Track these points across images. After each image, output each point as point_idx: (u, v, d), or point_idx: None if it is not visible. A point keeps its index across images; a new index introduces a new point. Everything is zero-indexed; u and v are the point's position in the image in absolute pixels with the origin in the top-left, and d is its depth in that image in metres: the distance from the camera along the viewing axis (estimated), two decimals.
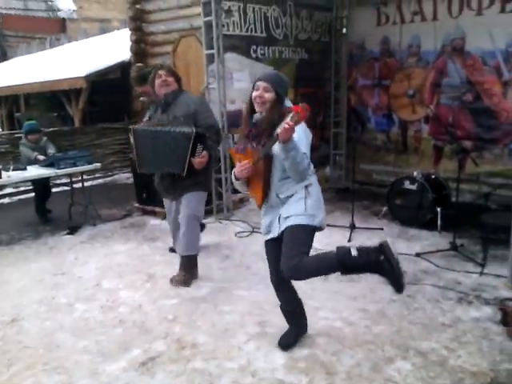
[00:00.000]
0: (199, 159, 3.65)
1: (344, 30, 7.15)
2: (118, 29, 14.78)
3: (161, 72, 3.77)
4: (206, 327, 3.34)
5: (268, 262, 3.02)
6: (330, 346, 3.01)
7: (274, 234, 2.81)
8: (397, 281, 2.70)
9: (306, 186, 2.74)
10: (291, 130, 2.39)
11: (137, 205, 6.37)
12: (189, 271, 3.97)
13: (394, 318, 3.36)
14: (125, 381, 2.79)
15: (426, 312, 3.43)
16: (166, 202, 4.15)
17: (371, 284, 3.90)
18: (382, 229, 5.21)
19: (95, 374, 2.87)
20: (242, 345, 3.10)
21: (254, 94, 2.70)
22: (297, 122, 2.37)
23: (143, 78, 4.40)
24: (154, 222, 5.96)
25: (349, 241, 4.89)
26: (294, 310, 3.09)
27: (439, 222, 4.98)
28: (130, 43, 9.31)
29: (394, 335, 3.13)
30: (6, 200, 7.81)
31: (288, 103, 2.75)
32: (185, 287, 3.92)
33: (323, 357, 2.92)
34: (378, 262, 2.69)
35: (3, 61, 17.14)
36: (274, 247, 2.87)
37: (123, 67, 9.84)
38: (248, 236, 5.24)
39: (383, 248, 2.72)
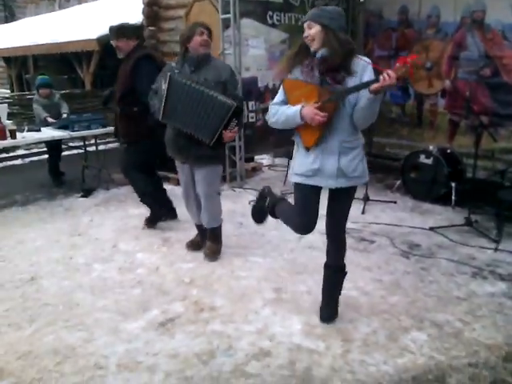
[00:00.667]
0: (230, 133, 3.48)
1: None
2: None
3: (204, 30, 3.55)
4: (223, 291, 3.39)
5: (301, 206, 2.81)
6: (346, 314, 3.05)
7: (328, 185, 2.66)
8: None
9: (363, 145, 2.70)
10: (391, 82, 2.23)
11: None
12: (217, 241, 3.95)
13: (409, 289, 3.40)
14: (145, 339, 2.85)
15: (441, 285, 3.46)
16: (177, 163, 3.88)
17: (385, 255, 3.95)
18: (396, 202, 5.22)
19: (115, 331, 2.94)
20: (259, 309, 3.16)
21: (303, 36, 2.58)
22: (400, 77, 2.17)
23: (122, 32, 4.18)
24: (166, 187, 5.94)
25: (362, 213, 4.91)
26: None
27: (453, 197, 4.98)
28: (142, 6, 9.16)
29: (409, 306, 3.17)
30: (19, 161, 7.83)
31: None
32: (217, 257, 3.89)
33: (340, 324, 2.97)
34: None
35: (12, 21, 16.91)
36: (312, 195, 2.75)
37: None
38: None
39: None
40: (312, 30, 2.53)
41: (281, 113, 2.66)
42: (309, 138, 2.64)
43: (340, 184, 2.65)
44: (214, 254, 3.89)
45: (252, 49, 6.24)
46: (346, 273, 3.01)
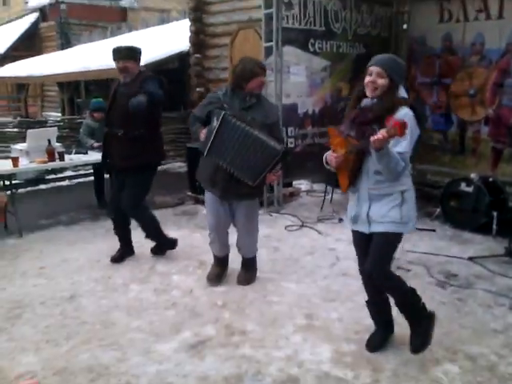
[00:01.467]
0: (273, 177, 3.51)
1: (405, 26, 7.02)
2: (177, 19, 15.02)
3: (261, 71, 3.55)
4: (255, 315, 3.42)
5: (356, 251, 2.98)
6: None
7: (364, 230, 2.78)
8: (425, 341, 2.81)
9: (402, 192, 2.67)
10: (384, 141, 2.32)
11: (189, 193, 6.53)
12: (252, 270, 3.98)
13: (444, 320, 3.32)
14: (176, 361, 2.91)
15: (477, 317, 3.37)
16: (209, 196, 3.77)
17: (421, 285, 3.86)
18: (434, 230, 5.13)
19: (148, 352, 3.01)
20: (290, 335, 3.16)
21: (367, 79, 2.60)
22: (390, 136, 2.29)
23: (132, 53, 4.00)
24: (205, 210, 6.08)
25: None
26: (379, 307, 3.01)
27: (494, 227, 4.85)
28: (188, 34, 9.49)
29: (443, 337, 3.10)
30: (66, 182, 8.17)
31: (402, 92, 2.65)
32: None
33: (369, 354, 2.93)
34: (427, 317, 2.89)
35: (67, 48, 17.80)
36: (361, 240, 2.86)
37: (181, 57, 10.04)
38: (297, 230, 5.28)
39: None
40: (381, 81, 2.57)
41: (325, 156, 2.82)
42: (342, 184, 2.80)
43: (373, 229, 2.73)
44: (247, 283, 3.91)
45: (293, 76, 6.34)
46: (410, 303, 2.92)
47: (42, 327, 3.34)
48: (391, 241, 2.75)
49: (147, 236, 4.48)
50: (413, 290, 2.88)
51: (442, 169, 6.51)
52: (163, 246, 4.56)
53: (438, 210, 5.48)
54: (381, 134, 2.31)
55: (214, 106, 3.52)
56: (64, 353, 3.03)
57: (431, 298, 3.64)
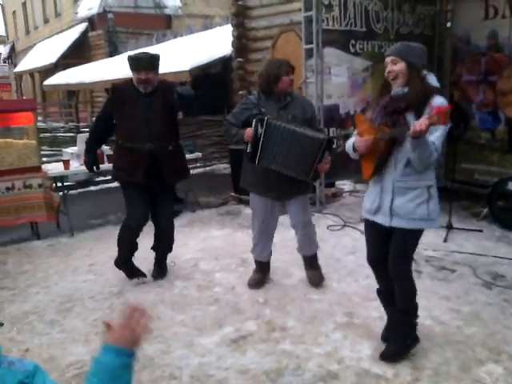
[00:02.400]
0: (325, 165, 3.47)
1: (448, 24, 6.89)
2: (220, 25, 15.26)
3: (290, 69, 3.59)
4: (296, 313, 3.46)
5: (367, 242, 2.93)
6: (419, 343, 2.99)
7: (384, 222, 2.71)
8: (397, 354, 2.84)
9: (429, 187, 2.62)
10: (425, 131, 2.28)
11: (233, 194, 6.64)
12: (319, 266, 3.97)
13: (489, 320, 3.26)
14: (218, 355, 2.99)
15: None
16: (259, 200, 3.77)
17: (466, 285, 3.81)
18: (482, 231, 5.01)
19: (191, 345, 3.10)
20: (330, 332, 3.19)
21: (385, 72, 2.59)
22: (432, 124, 2.24)
23: (156, 63, 3.78)
24: (248, 210, 6.09)
25: (444, 241, 4.77)
26: (390, 297, 2.91)
27: None
28: (231, 39, 9.64)
29: (487, 338, 3.05)
30: (114, 184, 8.41)
31: (433, 80, 2.60)
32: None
33: (411, 352, 2.92)
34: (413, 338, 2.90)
35: (115, 55, 18.38)
36: (376, 232, 2.81)
37: (224, 62, 10.21)
38: (340, 230, 5.28)
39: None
40: (397, 67, 2.54)
41: (348, 143, 2.83)
42: (365, 171, 2.77)
43: (395, 224, 2.66)
44: (321, 280, 3.90)
45: (334, 77, 6.34)
46: (413, 316, 2.87)
47: (91, 320, 3.50)
48: (416, 237, 2.72)
49: (168, 250, 4.29)
50: (416, 306, 2.86)
51: (490, 168, 6.33)
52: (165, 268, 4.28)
53: (486, 209, 5.36)
54: (422, 121, 2.25)
55: (251, 111, 3.58)
56: None
57: (476, 298, 3.59)
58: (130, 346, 1.23)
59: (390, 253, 2.75)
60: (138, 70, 3.72)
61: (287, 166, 3.48)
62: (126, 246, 4.04)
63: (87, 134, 6.39)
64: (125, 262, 4.08)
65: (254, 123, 3.44)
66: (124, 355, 1.21)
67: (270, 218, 3.81)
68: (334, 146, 6.28)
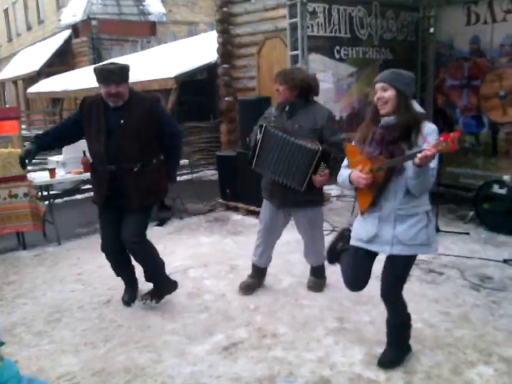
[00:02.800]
0: (320, 178, 3.40)
1: (431, 30, 6.99)
2: (205, 31, 15.28)
3: (275, 80, 3.60)
4: (287, 319, 3.46)
5: (350, 268, 2.91)
6: (411, 351, 2.99)
7: (383, 250, 2.70)
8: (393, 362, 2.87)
9: (427, 212, 2.63)
10: (432, 158, 2.26)
11: (220, 200, 6.63)
12: (321, 276, 3.98)
13: (478, 322, 3.30)
14: (209, 363, 2.97)
15: None
16: (266, 204, 3.84)
17: (454, 288, 3.85)
18: (468, 233, 5.07)
19: (182, 354, 3.09)
20: (321, 338, 3.19)
21: (375, 98, 2.59)
22: (440, 151, 2.22)
23: (126, 75, 3.42)
24: (236, 217, 6.18)
25: None
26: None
27: None
28: (216, 45, 9.65)
29: (477, 340, 3.08)
30: None
31: (418, 107, 2.62)
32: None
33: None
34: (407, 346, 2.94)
35: (99, 62, 18.29)
36: (366, 259, 2.81)
37: (210, 68, 10.21)
38: (328, 235, 5.28)
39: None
40: (387, 93, 2.54)
41: (341, 175, 2.81)
42: (363, 203, 2.74)
43: (396, 251, 2.65)
44: (319, 288, 3.92)
45: (320, 83, 6.35)
46: (405, 327, 2.89)
47: (80, 330, 3.46)
48: (411, 262, 2.73)
49: (150, 277, 3.74)
50: (409, 315, 2.88)
51: (475, 171, 6.42)
52: (163, 288, 3.76)
53: (472, 212, 5.42)
54: (428, 150, 2.23)
55: (267, 120, 3.65)
56: (102, 355, 3.13)
57: (464, 300, 3.63)
58: None
59: (386, 278, 2.75)
60: (106, 83, 3.32)
61: (280, 174, 3.51)
62: (116, 272, 3.88)
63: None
64: (127, 286, 3.91)
65: (254, 130, 3.59)
66: None
67: (272, 225, 3.83)
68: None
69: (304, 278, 4.10)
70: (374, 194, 2.63)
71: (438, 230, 5.00)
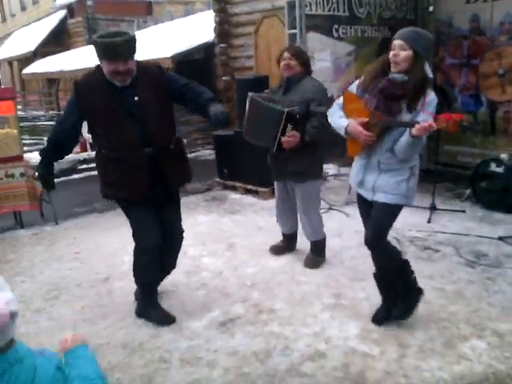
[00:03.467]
0: (287, 139, 3.45)
1: (431, 8, 6.92)
2: (202, 10, 15.12)
3: (285, 55, 3.67)
4: (283, 295, 3.49)
5: (361, 215, 3.06)
6: (404, 321, 3.04)
7: (367, 196, 2.85)
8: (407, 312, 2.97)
9: (412, 167, 2.73)
10: (427, 131, 2.34)
11: (218, 179, 6.63)
12: (319, 253, 4.04)
13: (472, 298, 3.33)
14: (206, 338, 3.01)
15: (506, 295, 3.36)
16: (275, 182, 4.11)
17: (449, 265, 3.88)
18: (464, 211, 5.08)
19: (180, 329, 3.12)
20: (318, 313, 3.23)
21: (391, 53, 2.58)
22: (440, 129, 2.30)
23: (135, 48, 2.85)
24: (234, 196, 6.19)
25: (428, 222, 4.83)
26: (385, 280, 3.00)
27: None
28: (213, 24, 9.55)
29: (471, 315, 3.11)
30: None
31: (428, 70, 2.62)
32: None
33: (396, 330, 2.97)
34: (416, 291, 3.01)
35: None
36: (365, 205, 2.94)
37: (207, 48, 10.13)
38: (325, 213, 5.30)
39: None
40: (404, 53, 2.54)
41: (335, 118, 2.86)
42: (351, 149, 2.85)
43: (376, 198, 2.79)
44: (314, 265, 3.96)
45: (318, 62, 6.33)
46: (407, 273, 2.98)
47: (78, 307, 3.49)
48: (393, 211, 2.81)
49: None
50: (407, 262, 2.96)
51: (473, 150, 6.41)
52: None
53: (469, 191, 5.43)
54: (429, 124, 2.30)
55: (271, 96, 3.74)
56: (100, 330, 3.17)
57: (459, 277, 3.66)
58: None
59: (370, 224, 2.86)
60: (113, 60, 2.76)
61: (258, 139, 3.69)
62: (148, 272, 3.23)
63: None
64: (149, 290, 3.32)
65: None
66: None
67: (283, 196, 4.06)
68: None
69: (302, 256, 4.13)
70: (364, 146, 2.73)
71: (434, 207, 5.02)
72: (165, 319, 3.22)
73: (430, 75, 2.67)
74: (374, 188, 2.78)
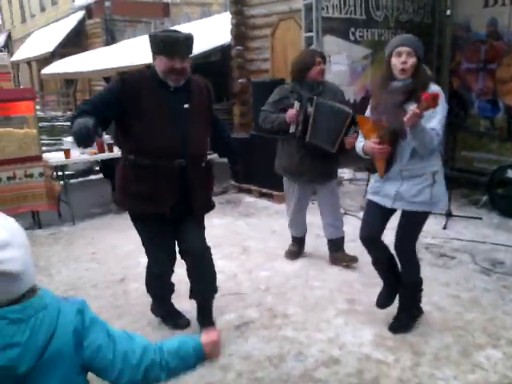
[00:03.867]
0: (351, 139, 3.54)
1: (448, 12, 6.87)
2: (219, 12, 15.16)
3: (320, 60, 3.77)
4: (297, 300, 3.50)
5: (364, 219, 3.06)
6: (419, 328, 3.05)
7: (385, 203, 2.84)
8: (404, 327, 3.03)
9: (434, 173, 2.74)
10: (417, 117, 2.40)
11: (233, 182, 6.66)
12: (342, 251, 4.12)
13: (488, 306, 3.31)
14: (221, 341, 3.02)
15: None
16: (291, 185, 4.09)
17: (465, 272, 3.86)
18: (481, 218, 5.05)
19: (194, 331, 3.13)
20: (331, 319, 3.23)
21: (397, 59, 2.63)
22: (423, 110, 2.37)
23: (191, 45, 2.74)
24: (249, 199, 6.22)
25: (444, 228, 4.80)
26: (383, 265, 3.08)
27: None
28: (230, 27, 9.59)
29: (487, 323, 3.09)
30: None
31: (427, 69, 2.72)
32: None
33: (411, 338, 2.97)
34: (417, 309, 3.11)
35: (112, 44, 18.26)
36: (376, 211, 2.93)
37: (223, 50, 10.16)
38: None
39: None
40: (412, 60, 2.63)
41: (357, 146, 2.97)
42: (380, 169, 2.85)
43: (397, 206, 2.81)
44: (352, 262, 4.03)
45: (334, 65, 6.33)
46: (417, 289, 3.04)
47: (94, 307, 3.43)
48: (420, 220, 2.85)
49: (212, 291, 3.14)
50: (421, 279, 3.02)
51: (490, 156, 6.36)
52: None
53: (485, 197, 5.39)
54: (412, 110, 2.38)
55: (289, 99, 3.79)
56: None
57: (475, 285, 3.63)
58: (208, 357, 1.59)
59: (397, 232, 2.90)
60: (170, 56, 2.62)
61: (323, 140, 3.73)
62: (157, 293, 3.25)
63: None
64: (160, 306, 3.30)
65: (299, 104, 3.70)
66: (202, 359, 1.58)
67: (303, 199, 4.13)
68: None
69: (315, 260, 4.14)
70: (386, 159, 2.75)
71: (450, 214, 4.99)
72: (180, 322, 3.25)
73: (430, 73, 2.79)
74: (395, 196, 2.78)
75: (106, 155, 5.79)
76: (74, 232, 5.28)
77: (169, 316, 3.27)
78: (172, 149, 2.71)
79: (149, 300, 3.56)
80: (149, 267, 3.16)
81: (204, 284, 3.08)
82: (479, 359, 2.73)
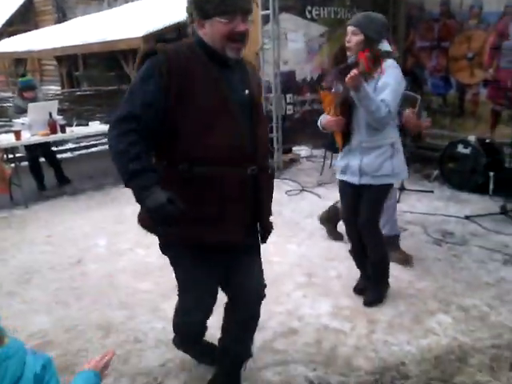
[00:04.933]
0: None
1: None
2: None
3: None
4: None
5: (341, 200, 3.14)
6: (389, 287, 3.16)
7: (353, 181, 2.88)
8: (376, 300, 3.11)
9: (392, 144, 2.80)
10: (356, 78, 2.43)
11: None
12: (398, 248, 3.73)
13: (439, 275, 3.45)
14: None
15: (471, 271, 3.49)
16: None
17: (417, 243, 3.99)
18: (432, 191, 5.22)
19: (155, 310, 3.14)
20: (290, 292, 3.29)
21: (346, 40, 2.74)
22: (362, 72, 2.41)
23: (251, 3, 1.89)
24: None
25: (397, 202, 4.92)
26: (361, 255, 3.13)
27: (491, 187, 4.93)
28: (186, 4, 9.39)
29: (437, 291, 3.23)
30: (68, 154, 8.25)
31: (385, 46, 2.72)
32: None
33: (366, 307, 3.06)
34: (386, 283, 3.19)
35: (63, 22, 17.61)
36: (348, 191, 2.98)
37: (179, 27, 9.97)
38: (297, 194, 5.37)
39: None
40: (356, 38, 2.69)
41: (320, 119, 2.95)
42: (339, 141, 2.91)
43: (364, 181, 2.85)
44: (404, 262, 3.66)
45: (291, 43, 6.35)
46: (385, 262, 3.11)
47: (51, 290, 3.47)
48: (383, 192, 2.91)
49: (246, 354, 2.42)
50: (387, 251, 3.09)
51: (442, 132, 6.55)
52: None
53: (437, 171, 5.57)
54: (353, 72, 2.43)
55: None
56: (74, 313, 3.16)
57: (427, 255, 3.77)
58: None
59: (361, 208, 2.93)
60: (230, 14, 1.81)
61: None
62: (193, 345, 2.54)
63: (39, 103, 6.03)
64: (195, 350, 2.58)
65: None
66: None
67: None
68: (291, 112, 6.38)
69: (275, 237, 4.13)
70: (344, 130, 2.81)
71: (403, 188, 5.13)
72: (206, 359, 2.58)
73: (387, 48, 2.76)
74: (360, 171, 2.83)
75: (58, 136, 5.62)
76: (27, 215, 5.14)
77: (203, 355, 2.59)
78: (243, 150, 1.91)
79: (108, 281, 3.54)
80: (182, 321, 2.35)
81: (243, 346, 2.37)
82: (431, 324, 2.85)
